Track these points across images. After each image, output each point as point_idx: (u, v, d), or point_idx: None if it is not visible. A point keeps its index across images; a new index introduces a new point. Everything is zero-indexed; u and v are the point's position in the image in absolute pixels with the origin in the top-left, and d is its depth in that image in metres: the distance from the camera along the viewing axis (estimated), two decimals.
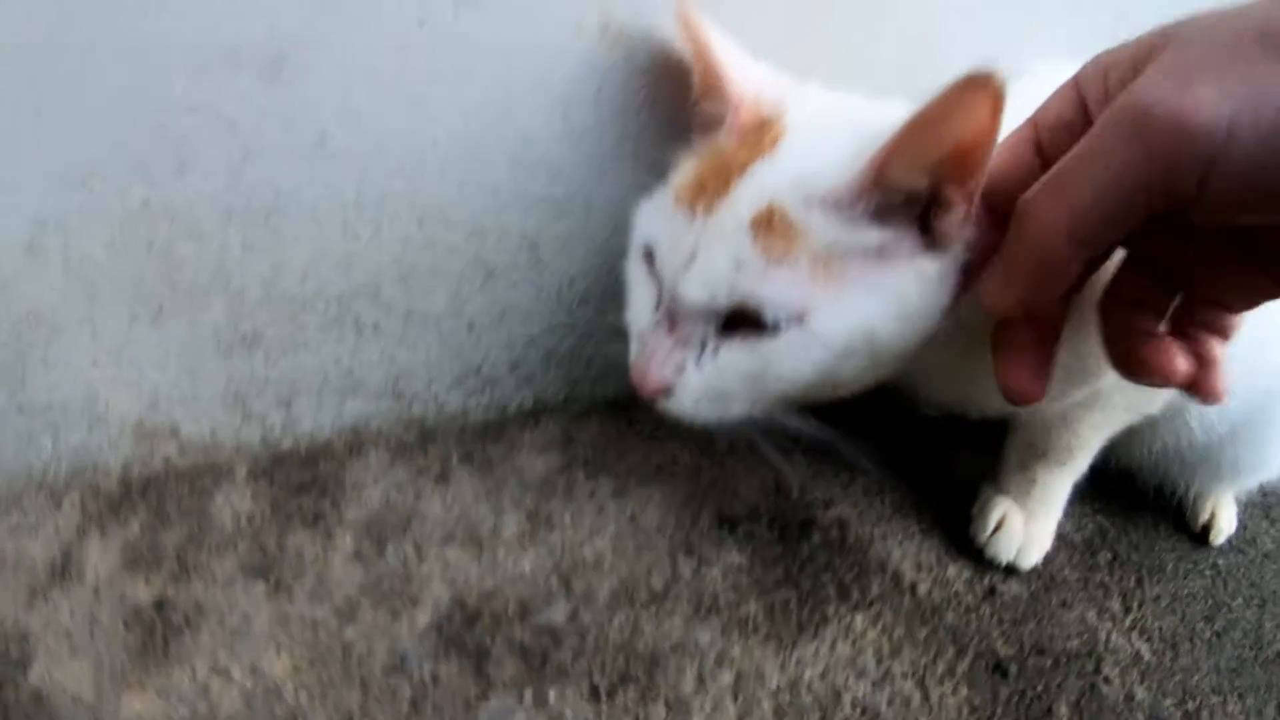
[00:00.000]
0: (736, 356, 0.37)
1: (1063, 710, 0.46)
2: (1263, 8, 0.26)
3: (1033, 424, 0.52)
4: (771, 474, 0.50)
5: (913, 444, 0.59)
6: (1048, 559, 0.56)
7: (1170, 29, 0.28)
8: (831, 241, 0.35)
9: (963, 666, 0.48)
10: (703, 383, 0.38)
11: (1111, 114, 0.27)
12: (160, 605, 0.45)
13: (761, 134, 0.39)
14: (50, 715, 0.39)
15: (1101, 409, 0.49)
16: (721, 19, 0.47)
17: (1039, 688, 0.47)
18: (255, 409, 0.50)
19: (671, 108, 0.47)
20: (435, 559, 0.47)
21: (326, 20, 0.41)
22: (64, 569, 0.47)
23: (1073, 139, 0.29)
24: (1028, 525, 0.54)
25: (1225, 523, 0.64)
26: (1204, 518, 0.64)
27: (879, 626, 0.49)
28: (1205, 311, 0.33)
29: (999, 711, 0.45)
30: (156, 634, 0.43)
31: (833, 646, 0.47)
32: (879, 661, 0.47)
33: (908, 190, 0.34)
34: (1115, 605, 0.56)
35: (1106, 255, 0.33)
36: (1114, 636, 0.53)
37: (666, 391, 0.39)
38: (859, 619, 0.49)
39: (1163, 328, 0.34)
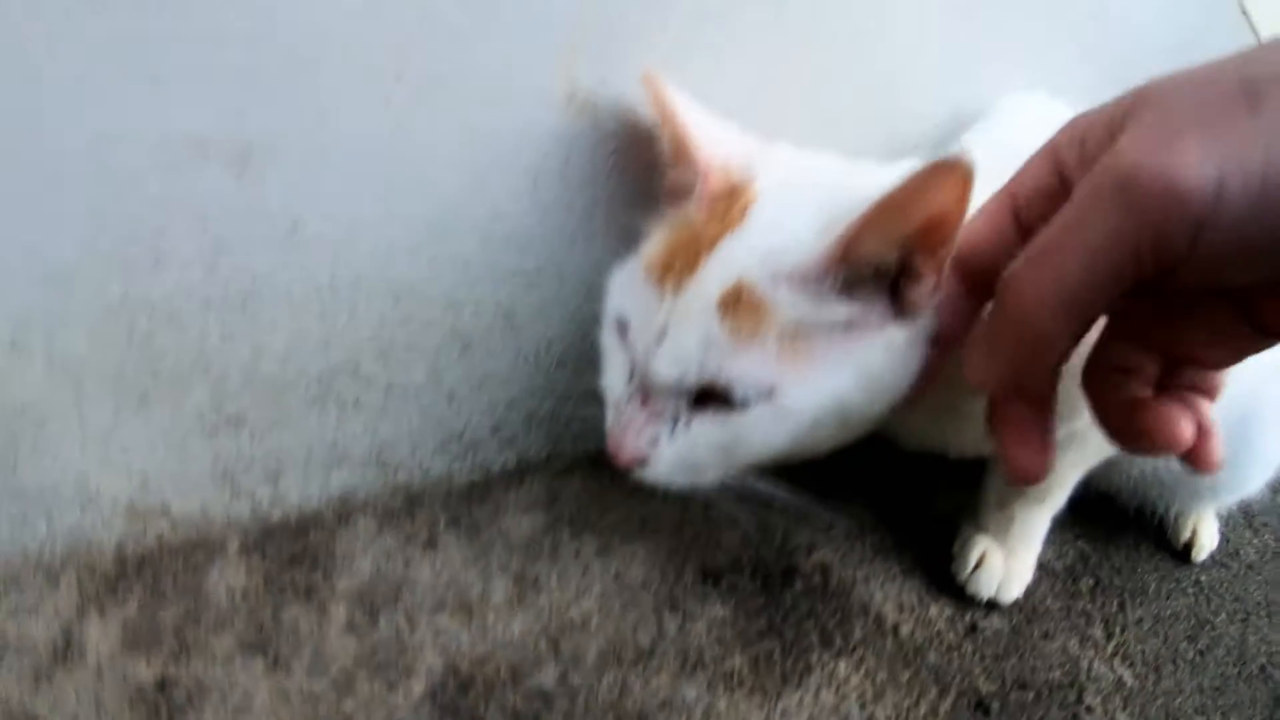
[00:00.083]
0: (708, 429, 0.38)
1: None
2: (1237, 59, 0.25)
3: None
4: (754, 523, 0.51)
5: (893, 480, 0.60)
6: (1029, 590, 0.57)
7: (1145, 90, 0.27)
8: (799, 317, 0.36)
9: (945, 706, 0.49)
10: (676, 454, 0.39)
11: (1094, 179, 0.26)
12: (163, 685, 0.46)
13: (730, 204, 0.39)
14: None
15: (1078, 448, 0.50)
16: (689, 77, 0.48)
17: None
18: (243, 485, 0.51)
19: (640, 173, 0.48)
20: (427, 627, 0.48)
21: (291, 110, 0.41)
22: (66, 650, 0.48)
23: (1051, 206, 0.29)
24: (1008, 561, 0.55)
25: (1207, 539, 0.65)
26: (1185, 535, 0.65)
27: (862, 671, 0.50)
28: (1189, 372, 0.33)
29: None
30: (161, 714, 0.45)
31: (816, 695, 0.48)
32: (862, 707, 0.48)
33: (876, 264, 0.35)
34: (1097, 632, 0.57)
35: (1092, 323, 0.32)
36: (1096, 664, 0.55)
37: (642, 462, 0.40)
38: (842, 665, 0.50)
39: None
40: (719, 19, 0.47)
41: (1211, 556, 0.66)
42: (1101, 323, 0.32)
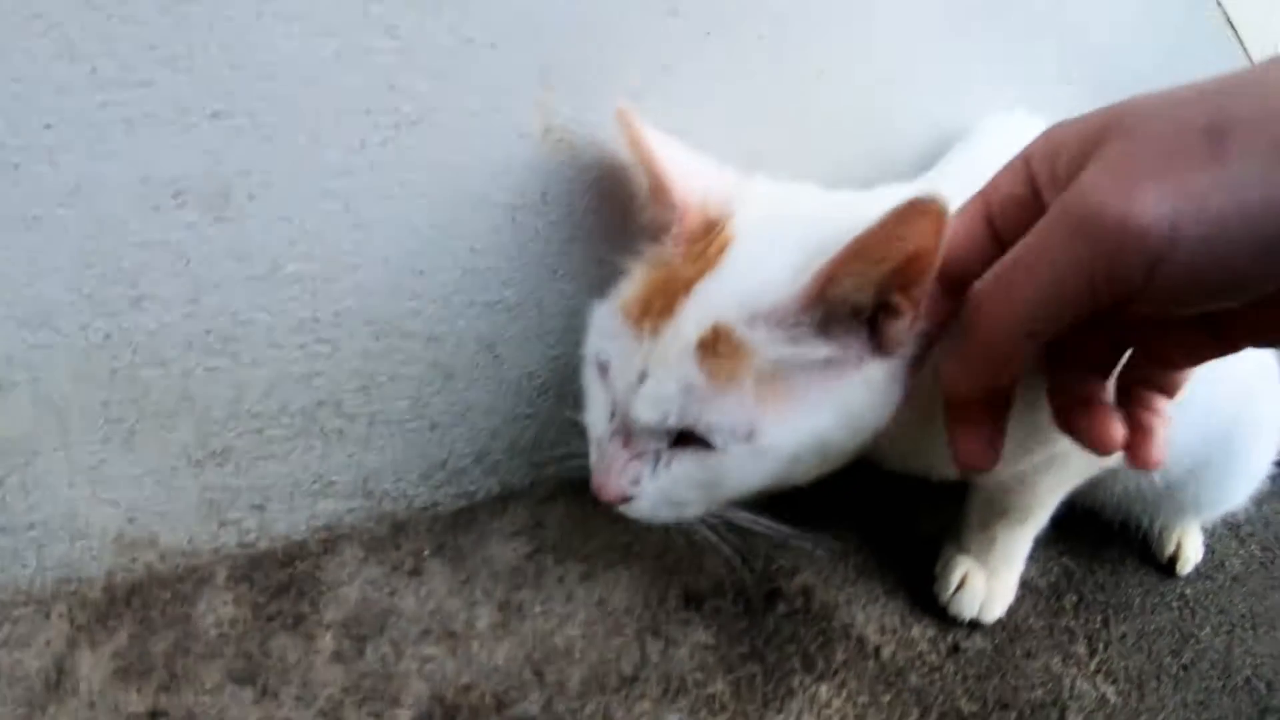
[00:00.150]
0: (688, 469, 0.39)
1: None
2: (1211, 96, 0.26)
3: (991, 485, 0.54)
4: (736, 550, 0.51)
5: (877, 501, 0.61)
6: (1012, 609, 0.57)
7: (1119, 111, 0.28)
8: (777, 358, 0.36)
9: None
10: (658, 492, 0.40)
11: (1058, 211, 0.27)
12: (154, 715, 0.47)
13: (708, 243, 0.40)
14: None
15: (1059, 470, 0.51)
16: (664, 112, 0.48)
17: None
18: (230, 515, 0.51)
19: (619, 204, 0.48)
20: (413, 656, 0.49)
21: (267, 152, 0.42)
22: (58, 681, 0.48)
23: (1023, 214, 0.30)
24: (990, 582, 0.56)
25: (1192, 552, 0.66)
26: (1170, 549, 0.65)
27: (844, 695, 0.50)
28: (1151, 370, 0.34)
29: None
30: None
31: (798, 719, 0.49)
32: None
33: (853, 304, 0.35)
34: (1080, 649, 0.57)
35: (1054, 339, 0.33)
36: (1079, 682, 0.55)
37: (625, 500, 0.40)
38: (824, 689, 0.50)
39: (1111, 385, 0.34)
40: (691, 57, 0.48)
41: (1197, 569, 0.66)
42: None
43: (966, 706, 0.51)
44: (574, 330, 0.45)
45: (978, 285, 0.31)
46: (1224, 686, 0.58)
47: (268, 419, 0.49)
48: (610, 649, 0.50)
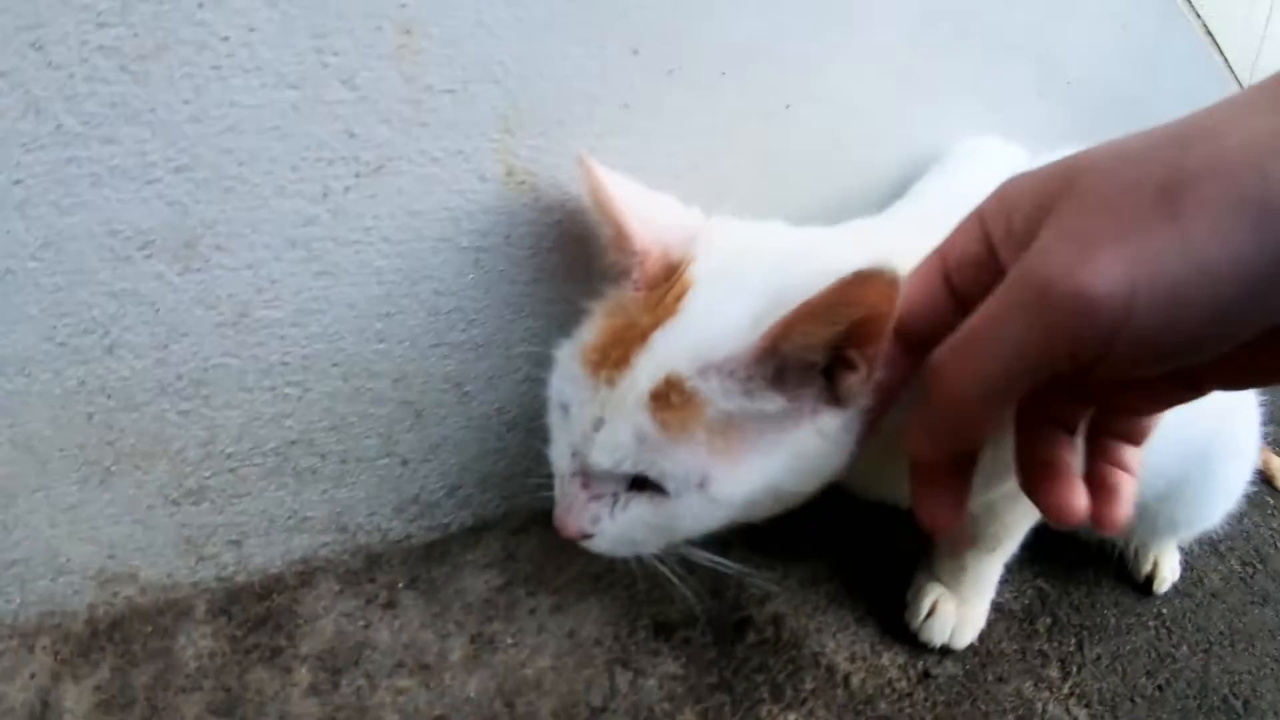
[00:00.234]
0: (644, 512, 0.40)
1: None
2: (1164, 150, 0.25)
3: None
4: (708, 576, 0.52)
5: (849, 526, 0.61)
6: (986, 633, 0.58)
7: (1072, 167, 0.27)
8: (730, 409, 0.36)
9: None
10: (617, 531, 0.41)
11: (1014, 279, 0.27)
12: None
13: (665, 291, 0.40)
14: None
15: (1027, 500, 0.51)
16: (629, 149, 0.48)
17: None
18: (208, 551, 0.53)
19: (582, 244, 0.49)
20: (386, 689, 0.50)
21: (232, 203, 0.43)
22: (43, 714, 0.50)
23: (979, 273, 0.30)
24: (960, 609, 0.56)
25: (1168, 571, 0.66)
26: (1147, 568, 0.66)
27: None
28: (1117, 420, 0.34)
29: None
30: None
31: None
32: None
33: (806, 359, 0.35)
34: (1053, 673, 0.58)
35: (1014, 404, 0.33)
36: (1050, 706, 0.55)
37: (586, 536, 0.41)
38: (791, 718, 0.51)
39: (1078, 443, 0.34)
40: (653, 96, 0.48)
41: (1175, 587, 0.66)
42: None
43: None
44: (542, 366, 0.46)
45: (936, 354, 0.31)
46: (1200, 706, 0.58)
47: (241, 459, 0.49)
48: (580, 680, 0.51)
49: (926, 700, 0.54)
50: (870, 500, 0.52)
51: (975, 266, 0.31)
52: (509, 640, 0.52)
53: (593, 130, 0.48)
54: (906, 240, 0.35)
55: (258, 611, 0.53)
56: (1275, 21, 0.85)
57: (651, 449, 0.37)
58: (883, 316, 0.32)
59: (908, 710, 0.53)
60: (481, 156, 0.46)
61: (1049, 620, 0.61)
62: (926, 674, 0.55)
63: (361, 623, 0.53)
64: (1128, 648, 0.61)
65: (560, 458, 0.43)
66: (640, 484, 0.39)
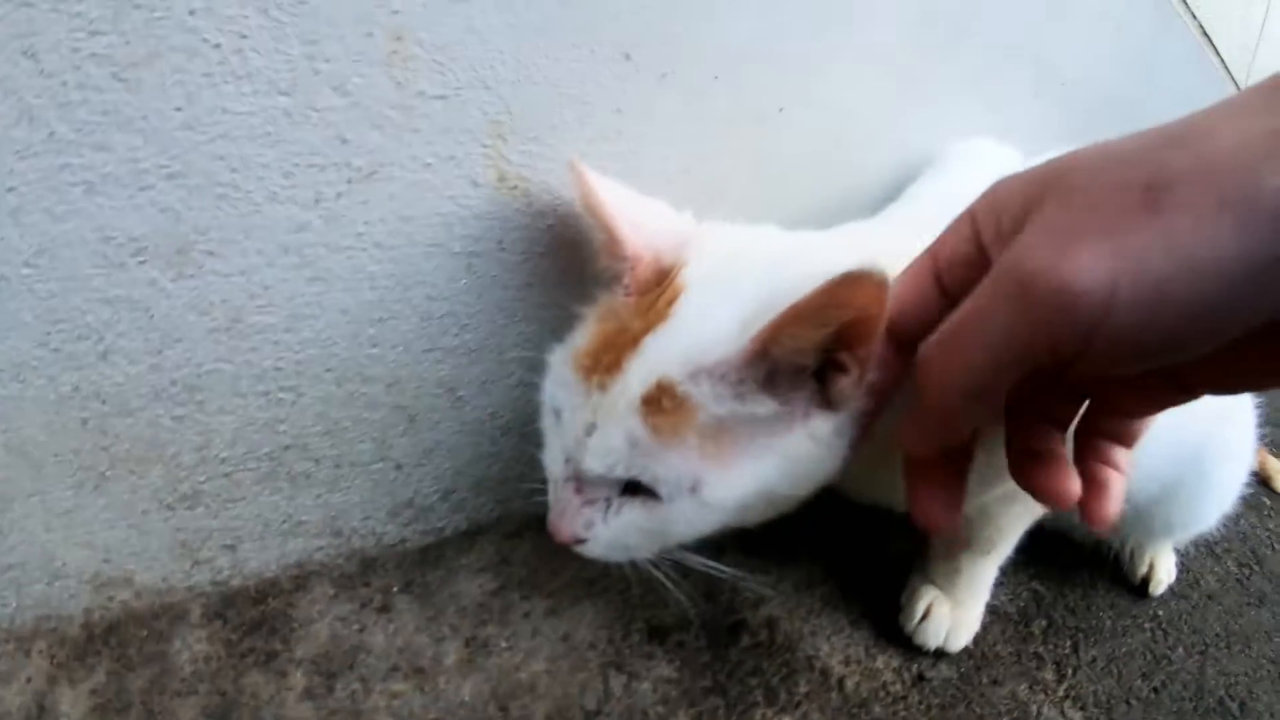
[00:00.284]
0: (637, 517, 0.40)
1: None
2: (1151, 151, 0.25)
3: None
4: (702, 580, 0.52)
5: (844, 529, 0.61)
6: (981, 636, 0.58)
7: (1060, 167, 0.27)
8: (721, 414, 0.36)
9: None
10: (609, 536, 0.41)
11: (998, 274, 0.27)
12: None
13: (657, 296, 0.40)
14: None
15: (1022, 501, 0.51)
16: (622, 154, 0.48)
17: None
18: (203, 555, 0.53)
19: (575, 248, 0.49)
20: (381, 693, 0.50)
21: (223, 208, 0.43)
22: (39, 717, 0.50)
23: (970, 272, 0.30)
24: (955, 611, 0.56)
25: (1164, 573, 0.66)
26: (1142, 570, 0.66)
27: None
28: (1108, 420, 0.34)
29: None
30: None
31: None
32: None
33: (797, 362, 0.35)
34: (1048, 675, 0.58)
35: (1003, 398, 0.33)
36: (1045, 709, 0.55)
37: (579, 541, 0.41)
38: None
39: (1068, 438, 0.34)
40: (646, 101, 0.48)
41: (1171, 588, 0.66)
42: None
43: None
44: (534, 370, 0.46)
45: (924, 347, 0.31)
46: (1196, 708, 0.58)
47: (235, 463, 0.50)
48: (574, 684, 0.51)
49: (921, 703, 0.54)
50: (864, 503, 0.52)
51: (966, 266, 0.31)
52: (503, 644, 0.53)
53: (585, 135, 0.48)
54: (899, 243, 0.36)
55: (253, 615, 0.53)
56: (1271, 23, 0.85)
57: (643, 454, 0.37)
58: (872, 318, 0.32)
59: (902, 713, 0.53)
60: (473, 162, 0.46)
61: (1044, 623, 0.61)
62: (921, 677, 0.55)
63: (356, 627, 0.53)
64: (1123, 650, 0.61)
65: (553, 463, 0.43)
66: (633, 489, 0.39)
